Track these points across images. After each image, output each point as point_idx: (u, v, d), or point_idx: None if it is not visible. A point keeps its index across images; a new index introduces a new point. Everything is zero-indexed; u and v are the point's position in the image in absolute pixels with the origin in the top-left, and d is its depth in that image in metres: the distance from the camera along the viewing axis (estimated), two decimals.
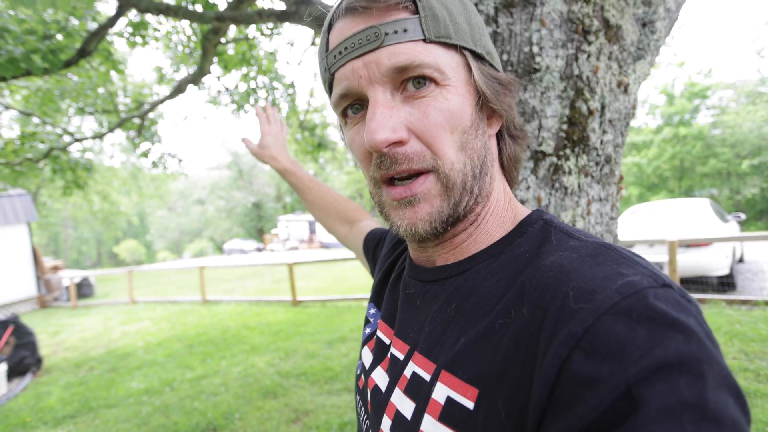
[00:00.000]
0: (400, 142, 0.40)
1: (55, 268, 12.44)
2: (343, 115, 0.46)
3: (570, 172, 1.04)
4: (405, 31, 0.39)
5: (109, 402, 3.94)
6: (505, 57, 1.03)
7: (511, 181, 0.51)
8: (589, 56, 1.03)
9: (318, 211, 0.99)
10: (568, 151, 1.03)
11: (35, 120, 5.85)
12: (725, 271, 5.50)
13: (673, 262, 4.83)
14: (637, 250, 5.79)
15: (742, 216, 7.03)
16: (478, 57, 0.43)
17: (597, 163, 1.08)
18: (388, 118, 0.39)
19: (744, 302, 4.87)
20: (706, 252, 5.41)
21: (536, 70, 1.02)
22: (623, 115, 1.14)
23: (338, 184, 30.93)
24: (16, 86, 4.46)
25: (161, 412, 3.54)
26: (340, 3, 0.42)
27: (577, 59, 1.03)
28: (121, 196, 20.34)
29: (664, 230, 5.93)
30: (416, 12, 0.40)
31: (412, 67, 0.39)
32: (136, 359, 5.25)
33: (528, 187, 1.04)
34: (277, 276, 12.12)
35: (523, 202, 1.04)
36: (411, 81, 0.40)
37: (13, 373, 4.96)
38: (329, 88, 0.47)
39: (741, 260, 7.47)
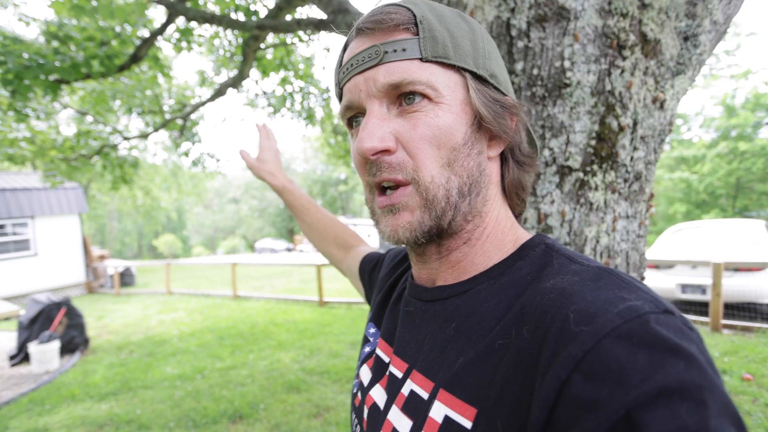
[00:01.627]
0: (387, 151, 0.42)
1: (102, 257, 13.03)
2: (349, 126, 0.49)
3: (596, 188, 1.04)
4: (404, 50, 0.41)
5: (146, 384, 4.20)
6: (535, 71, 1.04)
7: (514, 206, 0.51)
8: (622, 71, 1.02)
9: (314, 234, 0.98)
10: (595, 167, 1.03)
11: (89, 119, 6.25)
12: None
13: (717, 286, 4.52)
14: (677, 270, 5.44)
15: None
16: (479, 79, 0.44)
17: (626, 180, 1.06)
18: (379, 128, 0.42)
19: None
20: (758, 277, 4.94)
21: (566, 85, 1.02)
22: (657, 131, 1.12)
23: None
24: (75, 87, 4.81)
25: (192, 397, 3.74)
26: (355, 25, 0.46)
27: (609, 74, 1.02)
28: (162, 193, 21.18)
29: (710, 251, 5.49)
30: (417, 33, 0.42)
31: (404, 83, 0.41)
32: (171, 346, 5.52)
33: (552, 201, 1.04)
34: (305, 276, 12.30)
35: (547, 215, 1.05)
36: (405, 97, 0.42)
37: (65, 350, 5.36)
38: (340, 101, 0.50)
39: None
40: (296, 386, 3.84)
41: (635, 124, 1.06)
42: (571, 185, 1.03)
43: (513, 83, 1.07)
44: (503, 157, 0.49)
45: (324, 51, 5.31)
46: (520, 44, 1.06)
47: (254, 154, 1.04)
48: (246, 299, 9.00)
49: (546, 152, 1.04)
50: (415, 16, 0.42)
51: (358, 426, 0.54)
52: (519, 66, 1.07)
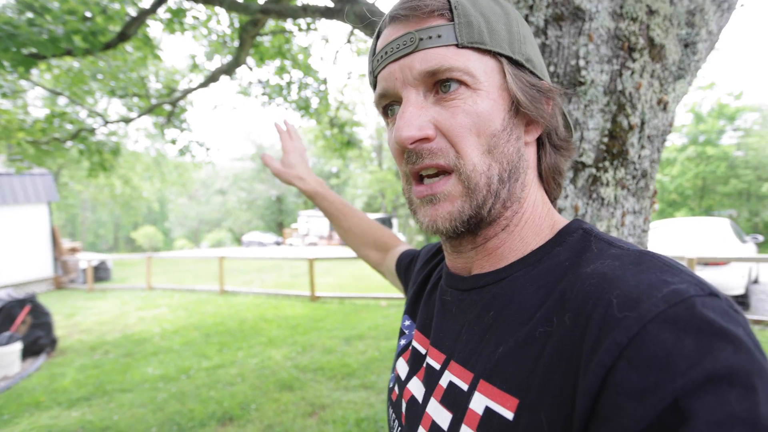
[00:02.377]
0: (426, 139, 0.42)
1: (73, 250, 12.49)
2: (385, 114, 0.49)
3: (607, 184, 1.08)
4: (439, 36, 0.41)
5: (124, 386, 3.96)
6: (552, 69, 1.07)
7: (550, 191, 0.51)
8: (632, 73, 1.07)
9: (353, 238, 0.95)
10: (606, 163, 1.07)
11: (62, 101, 5.84)
12: (740, 291, 5.58)
13: None
14: None
15: (760, 238, 7.16)
16: (515, 63, 0.44)
17: (633, 177, 1.11)
18: (417, 116, 0.42)
19: (758, 322, 4.97)
20: (724, 271, 5.50)
21: (581, 83, 1.06)
22: (661, 131, 1.17)
23: (361, 182, 30.93)
24: (47, 65, 4.50)
25: (177, 399, 3.58)
26: (388, 13, 0.46)
27: (621, 75, 1.06)
28: (143, 182, 20.53)
29: (683, 247, 6.01)
30: (452, 19, 0.42)
31: (442, 70, 0.41)
32: (152, 345, 5.32)
33: (566, 196, 1.07)
34: (296, 270, 12.11)
35: (560, 210, 1.08)
36: (442, 84, 0.42)
37: (28, 352, 4.92)
38: (374, 89, 0.50)
39: (756, 281, 7.51)
40: (289, 384, 3.77)
41: (643, 123, 1.10)
42: (584, 181, 1.07)
43: None
44: (540, 142, 0.49)
45: (322, 41, 5.20)
46: (538, 41, 1.09)
47: (278, 157, 1.00)
48: (234, 294, 8.80)
49: None
50: (449, 1, 0.42)
51: (396, 421, 0.53)
52: None
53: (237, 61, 3.82)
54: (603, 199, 1.07)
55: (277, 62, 4.91)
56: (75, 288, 11.02)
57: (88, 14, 3.11)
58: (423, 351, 0.53)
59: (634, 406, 0.26)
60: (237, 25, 4.30)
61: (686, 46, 1.15)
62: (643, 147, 1.10)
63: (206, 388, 3.80)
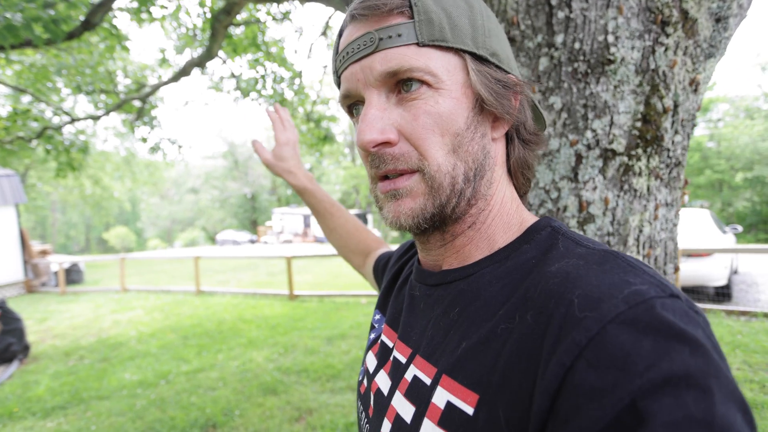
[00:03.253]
0: (388, 143, 0.41)
1: (44, 253, 12.18)
2: (350, 113, 0.48)
3: (640, 174, 0.97)
4: (399, 35, 0.40)
5: (101, 393, 3.79)
6: (577, 45, 0.96)
7: (519, 186, 0.50)
8: (666, 49, 0.96)
9: (337, 239, 0.94)
10: (639, 150, 0.96)
11: (25, 98, 5.60)
12: (723, 282, 5.61)
13: (675, 271, 4.87)
14: None
15: (739, 228, 7.30)
16: (480, 59, 0.43)
17: (667, 165, 1.01)
18: (378, 119, 0.41)
19: (742, 313, 4.98)
20: (707, 262, 5.51)
21: (610, 62, 0.94)
22: (691, 116, 1.07)
23: (335, 178, 30.78)
24: (6, 60, 4.24)
25: (157, 406, 3.42)
26: (348, 11, 0.44)
27: (654, 52, 0.95)
28: (114, 182, 19.95)
29: None
30: (412, 17, 0.40)
31: (402, 71, 0.40)
32: (128, 349, 5.11)
33: (595, 188, 0.96)
34: (272, 269, 12.00)
35: (589, 203, 0.97)
36: (404, 84, 0.41)
37: None
38: (339, 88, 0.49)
39: (736, 272, 7.65)
40: (273, 388, 3.63)
41: (676, 106, 1.00)
42: (614, 170, 0.96)
43: (552, 57, 0.98)
44: (508, 137, 0.48)
45: (296, 33, 5.02)
46: (561, 15, 0.97)
47: (269, 146, 0.92)
48: (210, 294, 8.61)
49: (588, 134, 0.96)
50: None
51: (364, 413, 0.54)
52: (559, 39, 0.97)
53: (209, 53, 3.63)
54: (636, 190, 0.96)
55: (251, 55, 4.71)
56: (47, 291, 10.63)
57: (49, 0, 2.86)
58: (390, 345, 0.53)
59: (591, 406, 0.26)
60: (209, 15, 4.08)
61: (718, 20, 1.05)
62: (676, 132, 1.00)
63: (187, 394, 3.63)
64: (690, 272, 5.47)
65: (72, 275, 11.41)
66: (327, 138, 5.99)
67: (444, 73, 0.41)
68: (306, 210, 25.80)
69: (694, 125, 1.11)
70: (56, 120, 5.63)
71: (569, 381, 0.28)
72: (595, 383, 0.27)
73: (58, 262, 10.68)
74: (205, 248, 27.02)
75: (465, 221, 0.45)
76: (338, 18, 4.78)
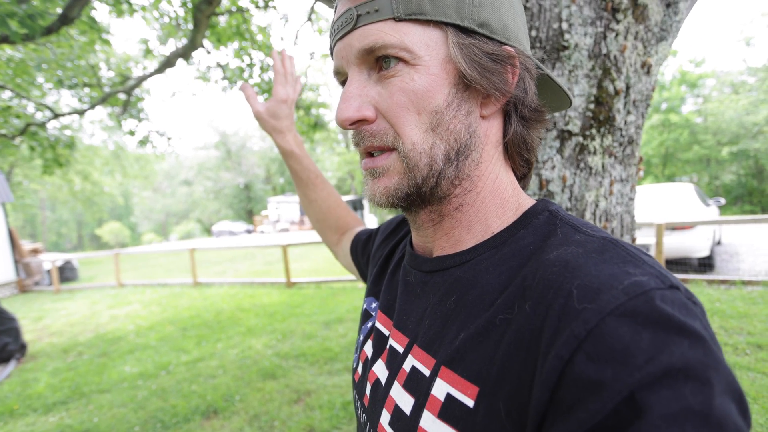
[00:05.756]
0: (365, 121, 0.41)
1: (35, 251, 12.03)
2: None
3: (595, 152, 1.04)
4: (376, 11, 0.39)
5: (102, 387, 3.85)
6: (533, 33, 1.01)
7: (516, 167, 0.48)
8: (617, 35, 1.02)
9: (317, 212, 0.90)
10: (593, 131, 1.03)
11: (4, 93, 5.50)
12: (706, 253, 5.76)
13: (659, 245, 5.00)
14: None
15: (723, 201, 7.39)
16: (465, 31, 0.40)
17: (620, 144, 1.08)
18: (355, 97, 0.41)
19: (723, 282, 5.14)
20: (690, 235, 5.65)
21: (565, 48, 1.00)
22: (644, 96, 1.14)
23: (329, 165, 30.61)
24: None
25: (158, 396, 3.50)
26: None
27: (605, 38, 1.02)
28: (104, 177, 19.70)
29: (651, 214, 6.14)
30: None
31: (377, 48, 0.39)
32: (127, 343, 5.17)
33: (553, 167, 1.03)
34: (269, 258, 12.02)
35: (548, 181, 1.04)
36: (383, 60, 0.40)
37: None
38: None
39: (719, 243, 7.84)
40: (272, 373, 3.72)
41: (628, 88, 1.07)
42: (571, 150, 1.03)
43: None
44: (506, 113, 0.45)
45: (281, 21, 4.96)
46: None
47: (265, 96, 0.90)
48: (208, 286, 8.65)
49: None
50: None
51: (359, 402, 0.53)
52: None
53: (193, 44, 3.59)
54: (591, 168, 1.04)
55: (236, 44, 4.66)
56: (40, 290, 10.58)
57: None
58: (386, 333, 0.52)
59: (591, 399, 0.26)
60: (190, 5, 4.02)
61: (668, 5, 1.11)
62: (629, 112, 1.07)
63: (187, 383, 3.71)
64: (674, 245, 5.62)
65: (66, 273, 11.34)
66: (317, 125, 5.97)
67: (422, 48, 0.39)
68: None
69: (648, 105, 1.18)
70: (39, 116, 5.54)
71: (568, 374, 0.28)
72: (595, 376, 0.27)
73: (50, 260, 10.60)
74: (201, 240, 26.90)
75: (451, 202, 0.44)
76: (321, 5, 4.73)
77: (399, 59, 0.39)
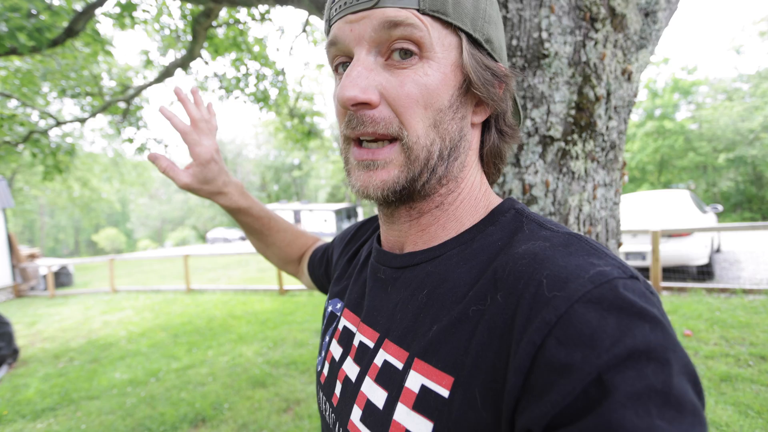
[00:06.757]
0: (368, 104, 0.40)
1: (32, 257, 12.01)
2: (336, 71, 0.46)
3: (577, 157, 1.05)
4: None
5: (91, 393, 3.82)
6: (514, 42, 1.03)
7: (490, 174, 0.51)
8: (596, 43, 1.03)
9: (277, 253, 0.86)
10: (575, 136, 1.04)
11: (10, 102, 5.58)
12: (704, 261, 5.60)
13: (656, 252, 4.95)
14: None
15: (720, 208, 7.18)
16: (474, 42, 0.42)
17: (603, 149, 1.09)
18: (363, 78, 0.40)
19: (723, 290, 4.96)
20: (687, 242, 5.52)
21: (545, 56, 1.02)
22: (626, 102, 1.15)
23: (323, 173, 30.69)
24: None
25: (146, 403, 3.47)
26: None
27: (584, 46, 1.03)
28: (102, 183, 19.77)
29: (647, 221, 6.01)
30: None
31: (405, 24, 0.38)
32: (118, 349, 5.13)
33: (536, 172, 1.04)
34: (263, 265, 11.99)
35: (531, 186, 1.05)
36: (398, 51, 0.40)
37: None
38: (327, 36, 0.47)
39: (718, 250, 7.62)
40: (262, 381, 3.68)
41: (609, 94, 1.08)
42: (553, 155, 1.03)
43: None
44: (485, 125, 0.49)
45: (278, 32, 5.02)
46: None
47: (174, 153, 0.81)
48: (201, 292, 8.61)
49: (528, 123, 1.04)
50: None
51: (327, 403, 0.52)
52: None
53: (191, 55, 3.64)
54: (573, 172, 1.04)
55: (233, 54, 4.73)
56: (36, 295, 10.56)
57: (33, 11, 2.89)
58: (353, 329, 0.52)
59: (561, 381, 0.27)
60: (189, 18, 4.09)
61: (647, 15, 1.13)
62: (610, 118, 1.08)
63: (177, 390, 3.68)
64: (671, 252, 5.51)
65: (61, 278, 11.32)
66: (311, 133, 6.01)
67: (438, 45, 0.40)
68: (297, 205, 25.69)
69: (630, 111, 1.19)
70: (42, 123, 5.60)
71: (540, 358, 0.29)
72: (565, 359, 0.28)
73: (46, 265, 10.59)
74: (196, 247, 26.84)
75: (433, 200, 0.45)
76: (314, 18, 4.81)
77: (417, 48, 0.39)
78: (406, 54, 0.40)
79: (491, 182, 0.52)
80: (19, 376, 4.55)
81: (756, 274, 5.98)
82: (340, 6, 0.42)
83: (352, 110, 0.41)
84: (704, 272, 5.84)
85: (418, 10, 0.39)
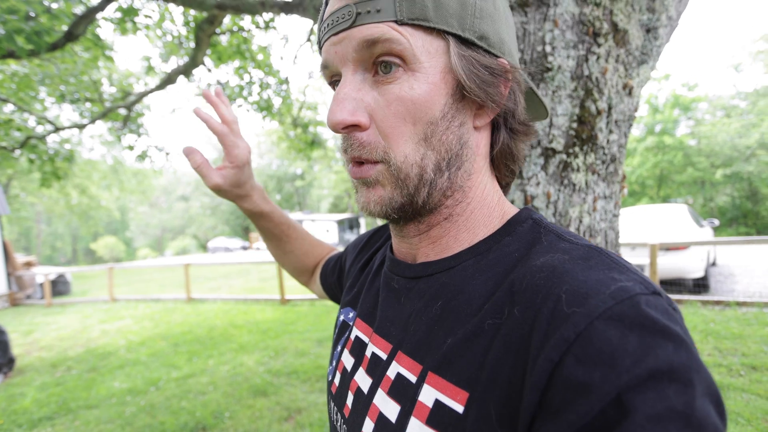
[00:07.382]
0: (358, 126, 0.40)
1: (29, 265, 11.92)
2: (333, 87, 0.46)
3: (578, 170, 1.07)
4: (378, 11, 0.38)
5: (90, 403, 3.78)
6: (519, 55, 1.06)
7: (502, 176, 0.48)
8: (598, 58, 1.07)
9: (293, 262, 0.85)
10: (577, 149, 1.07)
11: (6, 107, 5.57)
12: (700, 274, 5.74)
13: (653, 265, 5.01)
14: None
15: (716, 222, 7.42)
16: (465, 42, 0.40)
17: (603, 162, 1.11)
18: (350, 100, 0.39)
19: (717, 303, 5.10)
20: (684, 255, 5.65)
21: (548, 69, 1.05)
22: (627, 116, 1.18)
23: (326, 183, 30.77)
24: None
25: (146, 412, 3.44)
26: None
27: (587, 60, 1.06)
28: (101, 191, 19.74)
29: (645, 234, 6.15)
30: None
31: (381, 40, 0.37)
32: (117, 358, 5.09)
33: (538, 183, 1.06)
34: (264, 274, 11.97)
35: (533, 197, 1.07)
36: (381, 64, 0.39)
37: None
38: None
39: (714, 264, 7.82)
40: (263, 390, 3.67)
41: (610, 108, 1.11)
42: (555, 167, 1.06)
43: None
44: (495, 125, 0.46)
45: (282, 40, 5.08)
46: None
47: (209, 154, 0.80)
48: (201, 302, 8.57)
49: None
50: None
51: (339, 413, 0.51)
52: None
53: (194, 62, 3.68)
54: (574, 185, 1.07)
55: (237, 62, 4.77)
56: (32, 304, 10.45)
57: (32, 13, 2.91)
58: (365, 339, 0.51)
59: (579, 401, 0.27)
60: (192, 24, 4.14)
61: (648, 31, 1.16)
62: (611, 132, 1.11)
63: (177, 399, 3.65)
64: (668, 265, 5.61)
65: (58, 287, 11.21)
66: (315, 143, 6.04)
67: (423, 54, 0.38)
68: (299, 215, 25.68)
69: (630, 125, 1.22)
70: (40, 129, 5.60)
71: (557, 376, 0.28)
72: (583, 378, 0.27)
73: (43, 273, 10.49)
74: (196, 256, 26.76)
75: (441, 212, 0.44)
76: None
77: (400, 60, 0.38)
78: (389, 67, 0.39)
79: (504, 184, 0.50)
80: (15, 385, 4.49)
81: (749, 287, 6.11)
82: (325, 27, 0.42)
83: (343, 132, 0.41)
84: (700, 285, 5.95)
85: (396, 22, 0.38)
